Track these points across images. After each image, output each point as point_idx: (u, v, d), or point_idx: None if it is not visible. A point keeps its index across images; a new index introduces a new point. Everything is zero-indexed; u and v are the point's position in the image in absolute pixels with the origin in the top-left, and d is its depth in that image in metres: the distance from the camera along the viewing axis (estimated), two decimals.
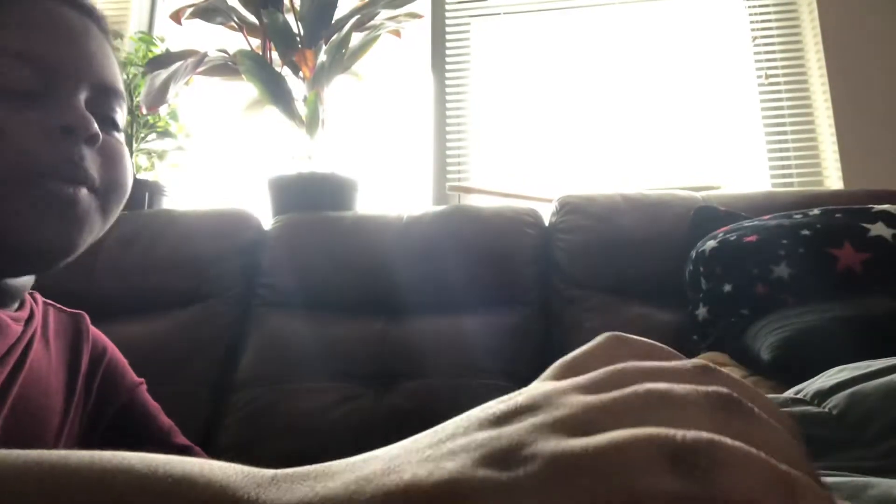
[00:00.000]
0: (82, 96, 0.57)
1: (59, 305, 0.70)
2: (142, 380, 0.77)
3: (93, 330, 0.73)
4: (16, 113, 0.53)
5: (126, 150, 0.63)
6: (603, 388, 0.22)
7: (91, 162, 0.56)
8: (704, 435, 0.18)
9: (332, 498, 0.20)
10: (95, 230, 0.59)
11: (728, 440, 0.18)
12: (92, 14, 0.61)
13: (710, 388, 0.20)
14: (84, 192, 0.56)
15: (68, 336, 0.69)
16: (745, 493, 0.17)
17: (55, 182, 0.53)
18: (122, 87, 0.63)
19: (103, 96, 0.60)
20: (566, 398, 0.21)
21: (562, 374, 0.25)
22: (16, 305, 0.62)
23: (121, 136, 0.63)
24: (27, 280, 0.63)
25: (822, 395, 0.36)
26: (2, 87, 0.53)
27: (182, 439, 0.76)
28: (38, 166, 0.52)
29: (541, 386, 0.23)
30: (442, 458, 0.20)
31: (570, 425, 0.20)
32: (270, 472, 0.22)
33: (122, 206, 0.62)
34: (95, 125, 0.56)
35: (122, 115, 0.63)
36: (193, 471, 0.21)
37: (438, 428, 0.22)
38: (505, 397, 0.23)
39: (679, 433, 0.18)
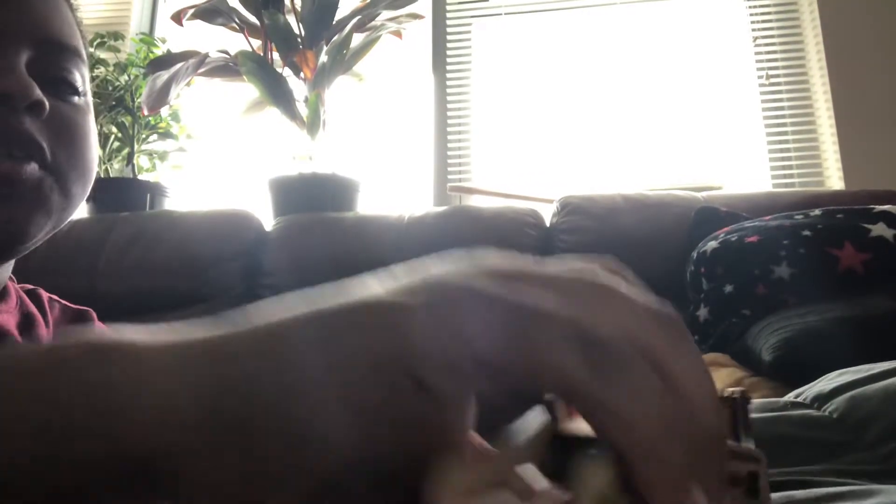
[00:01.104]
0: (23, 56, 0.47)
1: (64, 301, 0.67)
2: None
3: (100, 327, 0.71)
4: None
5: (87, 118, 0.53)
6: (552, 270, 0.22)
7: (37, 133, 0.47)
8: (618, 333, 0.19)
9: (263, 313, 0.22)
10: (54, 212, 0.50)
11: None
12: None
13: (653, 307, 0.22)
14: (31, 167, 0.47)
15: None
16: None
17: None
18: (77, 43, 0.53)
19: (52, 55, 0.50)
20: (498, 262, 0.23)
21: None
22: None
23: (80, 101, 0.53)
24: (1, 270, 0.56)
25: (822, 399, 0.36)
26: None
27: None
28: None
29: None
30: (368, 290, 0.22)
31: (493, 275, 0.21)
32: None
33: (88, 185, 0.53)
34: (37, 90, 0.46)
35: (79, 77, 0.53)
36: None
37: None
38: None
39: (590, 316, 0.19)
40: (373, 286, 0.23)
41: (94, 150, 0.53)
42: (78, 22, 0.55)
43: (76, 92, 0.52)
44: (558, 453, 0.22)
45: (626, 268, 0.24)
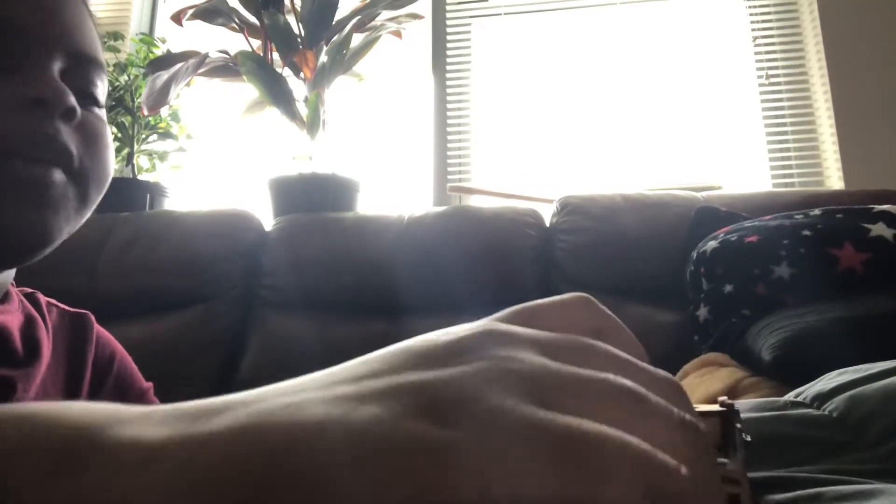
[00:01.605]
0: (56, 66, 0.50)
1: (62, 305, 0.67)
2: (149, 384, 0.73)
3: (100, 331, 0.69)
4: None
5: (107, 127, 0.56)
6: (564, 357, 0.19)
7: (68, 138, 0.49)
8: (685, 476, 0.16)
9: (214, 434, 0.16)
10: (72, 218, 0.52)
11: None
12: None
13: (676, 411, 0.18)
14: (59, 173, 0.49)
15: (71, 336, 0.65)
16: None
17: (24, 162, 0.46)
18: (102, 57, 0.56)
19: (81, 67, 0.52)
20: (521, 351, 0.18)
21: (517, 320, 0.21)
22: None
23: (102, 113, 0.56)
24: (6, 275, 0.57)
25: (821, 398, 0.36)
26: None
27: None
28: (3, 144, 0.45)
29: (490, 325, 0.19)
30: (363, 399, 0.16)
31: (526, 388, 0.17)
32: (154, 408, 0.18)
33: (102, 192, 0.55)
34: (72, 98, 0.49)
35: (102, 90, 0.56)
36: (62, 411, 0.17)
37: (357, 361, 0.19)
38: (444, 331, 0.19)
39: (664, 460, 0.16)
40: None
41: (112, 158, 0.55)
42: (98, 35, 0.57)
43: (98, 103, 0.55)
44: None
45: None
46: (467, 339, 0.19)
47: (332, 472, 0.14)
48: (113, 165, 0.56)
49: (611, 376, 0.18)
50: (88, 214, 0.54)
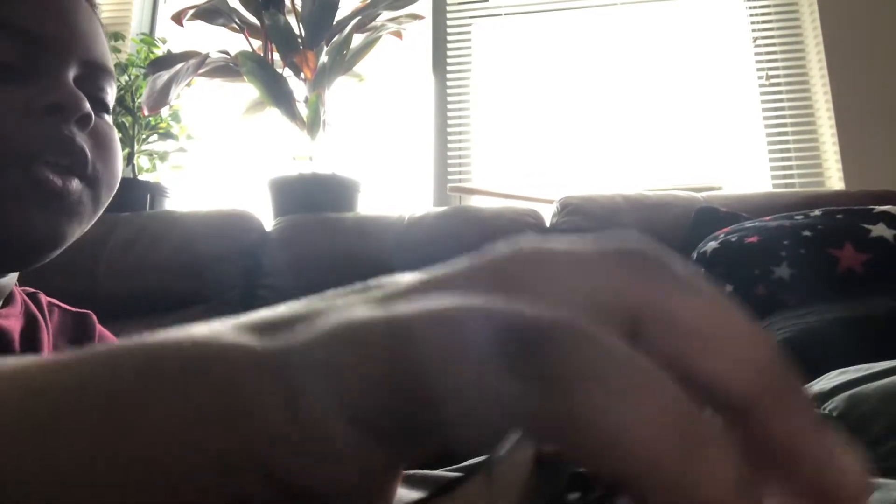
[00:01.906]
0: (71, 74, 0.51)
1: (64, 305, 0.67)
2: None
3: (102, 331, 0.69)
4: None
5: (116, 133, 0.57)
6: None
7: (83, 143, 0.50)
8: (565, 318, 0.12)
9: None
10: (85, 222, 0.53)
11: (607, 337, 0.12)
12: None
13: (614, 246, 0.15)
14: (76, 181, 0.50)
15: (72, 336, 0.65)
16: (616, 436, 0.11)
17: (42, 168, 0.47)
18: (111, 65, 0.57)
19: (93, 75, 0.54)
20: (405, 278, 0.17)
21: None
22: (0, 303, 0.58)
23: (110, 119, 0.57)
24: (11, 277, 0.58)
25: (822, 398, 0.36)
26: None
27: None
28: (22, 150, 0.46)
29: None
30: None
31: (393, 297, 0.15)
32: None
33: (112, 196, 0.57)
34: (87, 103, 0.50)
35: (111, 96, 0.57)
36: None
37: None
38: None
39: (527, 309, 0.12)
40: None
41: (121, 164, 0.57)
42: (110, 45, 0.59)
43: (108, 110, 0.57)
44: (545, 481, 0.17)
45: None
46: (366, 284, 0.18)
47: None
48: (121, 170, 0.57)
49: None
50: (97, 216, 0.56)
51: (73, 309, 0.68)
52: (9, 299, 0.58)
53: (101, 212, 0.56)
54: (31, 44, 0.49)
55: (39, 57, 0.49)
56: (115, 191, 0.57)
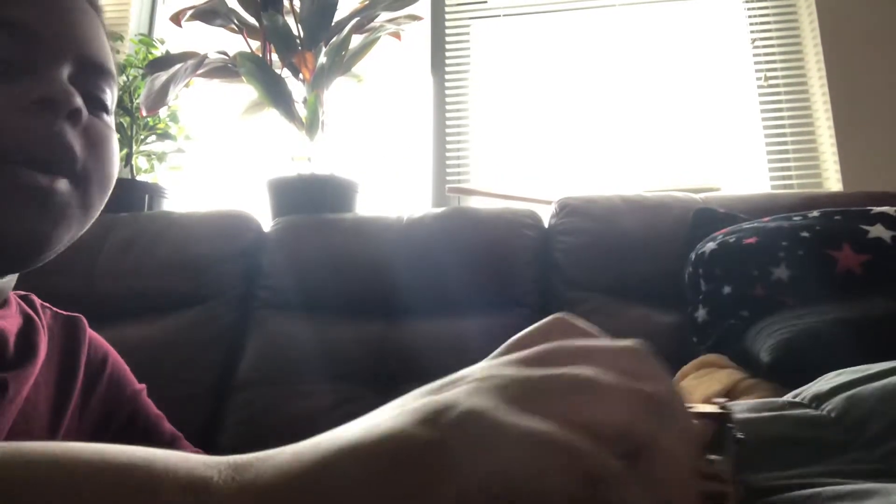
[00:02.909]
0: (65, 70, 0.50)
1: (55, 309, 0.67)
2: (142, 385, 0.74)
3: (92, 334, 0.69)
4: None
5: (114, 135, 0.56)
6: (539, 364, 0.24)
7: (74, 140, 0.49)
8: (615, 469, 0.20)
9: (300, 452, 0.23)
10: (74, 225, 0.51)
11: (634, 486, 0.20)
12: None
13: (637, 386, 0.23)
14: (63, 182, 0.49)
15: (63, 340, 0.66)
16: None
17: (27, 168, 0.46)
18: (112, 66, 0.56)
19: (89, 73, 0.53)
20: (504, 370, 0.24)
21: (506, 351, 0.27)
22: None
23: (109, 120, 0.56)
24: (8, 280, 0.57)
25: (820, 399, 0.36)
26: None
27: (186, 446, 0.73)
28: (7, 147, 0.45)
29: (484, 361, 0.26)
30: (391, 419, 0.22)
31: (503, 394, 0.22)
32: (243, 457, 0.24)
33: (105, 199, 0.55)
34: (79, 99, 0.49)
35: (110, 97, 0.56)
36: (175, 462, 0.24)
37: (407, 396, 0.26)
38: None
39: (597, 457, 0.20)
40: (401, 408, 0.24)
41: (117, 164, 0.56)
42: (112, 47, 0.59)
43: (106, 110, 0.55)
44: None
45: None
46: (465, 373, 0.25)
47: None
48: (117, 171, 0.56)
49: (568, 369, 0.23)
50: (92, 220, 0.54)
51: (64, 312, 0.67)
52: (5, 302, 0.58)
53: (93, 215, 0.54)
54: (25, 40, 0.48)
55: (33, 53, 0.48)
56: (108, 192, 0.55)
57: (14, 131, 0.46)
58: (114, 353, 0.72)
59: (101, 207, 0.55)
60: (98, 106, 0.54)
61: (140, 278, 1.35)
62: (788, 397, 0.38)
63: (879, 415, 0.33)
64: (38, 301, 0.65)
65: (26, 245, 0.48)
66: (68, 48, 0.51)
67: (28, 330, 0.59)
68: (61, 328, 0.66)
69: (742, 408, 0.37)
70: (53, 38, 0.50)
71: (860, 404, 0.34)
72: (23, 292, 0.64)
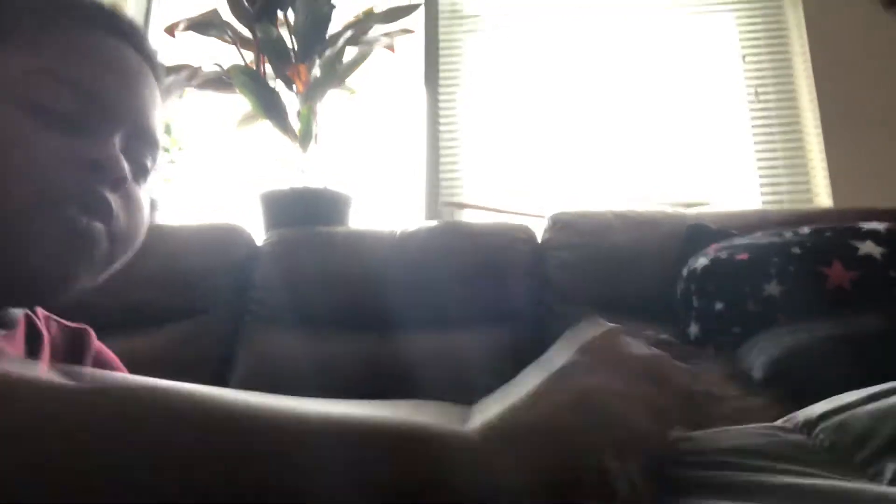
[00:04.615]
0: (119, 136, 0.54)
1: (61, 320, 0.68)
2: None
3: (99, 346, 0.70)
4: (46, 133, 0.50)
5: (148, 203, 0.60)
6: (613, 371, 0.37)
7: (114, 203, 0.53)
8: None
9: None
10: (97, 269, 0.55)
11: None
12: (151, 60, 0.59)
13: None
14: (100, 226, 0.52)
15: (70, 350, 0.67)
16: None
17: (73, 210, 0.50)
18: (160, 137, 0.61)
19: (141, 142, 0.57)
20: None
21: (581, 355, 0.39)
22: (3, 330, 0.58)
23: (147, 187, 0.60)
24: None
25: (810, 425, 0.36)
26: (37, 104, 0.50)
27: None
28: (54, 196, 0.49)
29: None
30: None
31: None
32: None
33: (124, 261, 0.58)
34: (125, 166, 0.53)
35: (153, 164, 0.60)
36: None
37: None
38: None
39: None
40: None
41: (143, 234, 0.59)
42: (163, 117, 0.62)
43: (146, 177, 0.59)
44: None
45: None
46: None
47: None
48: (143, 235, 0.59)
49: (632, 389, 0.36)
50: (107, 275, 0.58)
51: (70, 324, 0.68)
52: (13, 323, 0.59)
53: (110, 271, 0.57)
54: (90, 101, 0.52)
55: (95, 115, 0.53)
56: (131, 253, 0.58)
57: (68, 183, 0.49)
58: (121, 368, 0.72)
59: (118, 268, 0.58)
60: (141, 172, 0.58)
61: (131, 291, 1.35)
62: (779, 423, 0.38)
63: (871, 436, 0.33)
64: (41, 313, 0.65)
65: (53, 279, 0.51)
66: (126, 115, 0.55)
67: (31, 354, 0.59)
68: (68, 339, 0.67)
69: (731, 435, 0.37)
70: (118, 107, 0.54)
71: (852, 429, 0.34)
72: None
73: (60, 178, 0.49)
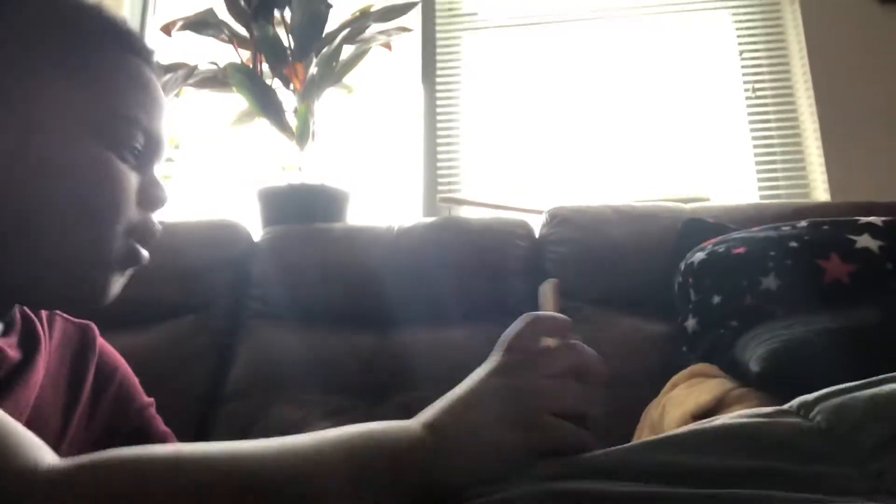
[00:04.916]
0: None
1: (66, 315, 0.69)
2: (151, 400, 0.74)
3: (103, 344, 0.71)
4: (130, 172, 0.56)
5: None
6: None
7: (157, 227, 0.61)
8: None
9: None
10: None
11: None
12: (159, 74, 0.63)
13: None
14: (146, 253, 0.60)
15: (74, 346, 0.67)
16: None
17: (137, 243, 0.58)
18: None
19: (161, 159, 0.63)
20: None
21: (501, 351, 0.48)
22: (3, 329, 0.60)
23: None
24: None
25: (807, 406, 0.36)
26: (124, 144, 0.55)
27: None
28: (134, 224, 0.57)
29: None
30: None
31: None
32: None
33: None
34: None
35: None
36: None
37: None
38: None
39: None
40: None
41: None
42: None
43: None
44: None
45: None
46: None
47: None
48: None
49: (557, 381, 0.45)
50: None
51: (75, 320, 0.69)
52: (9, 324, 0.59)
53: None
54: (150, 139, 0.58)
55: (150, 152, 0.59)
56: None
57: (134, 218, 0.57)
58: (125, 367, 0.73)
59: None
60: None
61: (128, 288, 1.34)
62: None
63: (871, 427, 0.33)
64: (44, 312, 0.65)
65: (100, 299, 0.58)
66: (164, 144, 0.62)
67: (27, 359, 0.59)
68: (72, 334, 0.68)
69: (731, 418, 0.37)
70: (162, 142, 0.61)
71: (850, 413, 0.34)
72: None
73: (133, 211, 0.57)
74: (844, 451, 0.33)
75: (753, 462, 0.32)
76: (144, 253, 0.60)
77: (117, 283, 0.59)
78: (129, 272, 0.61)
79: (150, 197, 0.58)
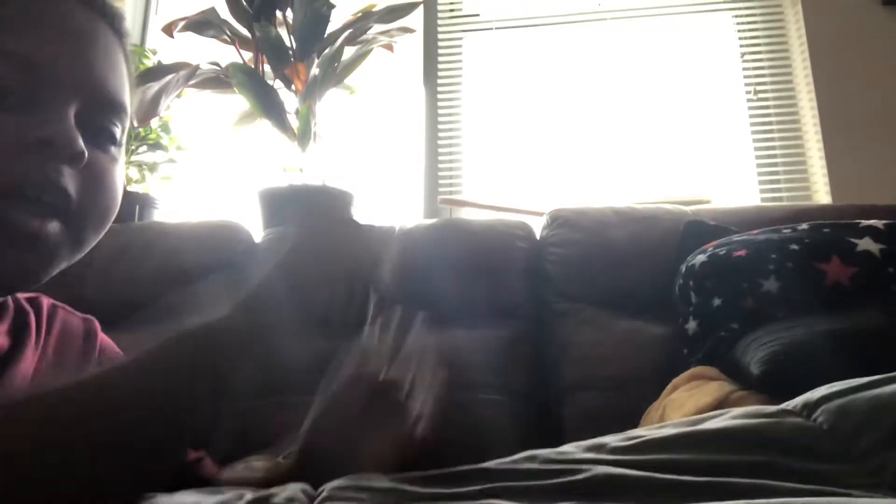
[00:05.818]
0: (73, 107, 0.49)
1: (69, 308, 0.68)
2: None
3: (104, 339, 0.70)
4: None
5: (118, 169, 0.55)
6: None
7: (69, 181, 0.48)
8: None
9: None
10: (64, 260, 0.52)
11: None
12: (105, 12, 0.53)
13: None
14: (54, 224, 0.48)
15: (76, 337, 0.67)
16: None
17: (18, 211, 0.45)
18: (126, 99, 0.55)
19: (100, 108, 0.52)
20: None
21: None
22: None
23: (117, 152, 0.55)
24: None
25: (810, 407, 0.36)
26: None
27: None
28: (5, 188, 0.44)
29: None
30: None
31: None
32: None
33: (102, 233, 0.55)
34: (80, 142, 0.48)
35: (121, 128, 0.55)
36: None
37: None
38: None
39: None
40: None
41: (118, 199, 0.55)
42: (129, 72, 0.57)
43: (115, 142, 0.54)
44: None
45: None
46: None
47: None
48: (117, 204, 0.55)
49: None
50: (85, 252, 0.54)
51: (77, 313, 0.69)
52: (2, 314, 0.58)
53: (86, 249, 0.54)
54: (32, 72, 0.47)
55: (40, 87, 0.47)
56: (105, 226, 0.55)
57: (11, 172, 0.45)
58: None
59: (96, 241, 0.55)
60: (107, 138, 0.53)
61: (130, 288, 1.34)
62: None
63: (872, 426, 0.33)
64: (46, 302, 0.64)
65: (13, 280, 0.50)
66: (80, 84, 0.49)
67: (15, 348, 0.58)
68: (77, 327, 0.67)
69: (734, 415, 0.37)
70: (64, 73, 0.48)
71: (852, 414, 0.34)
72: (32, 294, 0.64)
73: (5, 166, 0.44)
74: (846, 451, 0.33)
75: (753, 457, 0.33)
76: (51, 227, 0.47)
77: (24, 271, 0.49)
78: (53, 257, 0.50)
79: (46, 144, 0.46)
